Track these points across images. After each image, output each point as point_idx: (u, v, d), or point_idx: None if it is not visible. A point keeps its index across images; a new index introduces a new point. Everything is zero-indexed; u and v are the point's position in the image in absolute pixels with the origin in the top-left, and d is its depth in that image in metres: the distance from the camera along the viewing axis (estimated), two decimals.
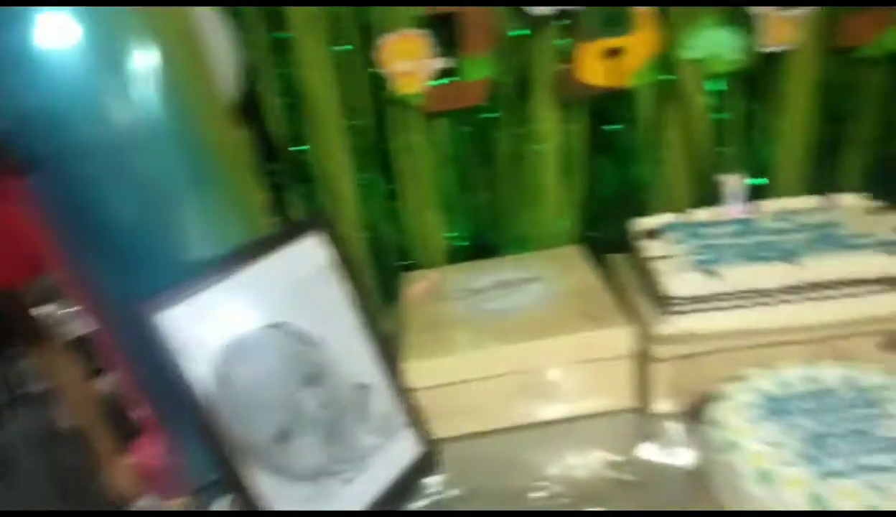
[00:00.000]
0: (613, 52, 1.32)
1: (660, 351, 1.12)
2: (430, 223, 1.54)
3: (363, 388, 1.10)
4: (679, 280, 1.12)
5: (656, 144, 1.44)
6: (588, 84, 1.35)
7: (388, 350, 1.15)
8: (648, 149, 1.44)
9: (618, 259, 1.41)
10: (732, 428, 0.96)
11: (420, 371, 1.15)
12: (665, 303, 1.14)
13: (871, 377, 1.01)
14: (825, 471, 0.86)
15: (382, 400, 1.11)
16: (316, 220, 1.09)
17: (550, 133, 1.44)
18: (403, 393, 1.14)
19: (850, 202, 1.32)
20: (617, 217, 1.47)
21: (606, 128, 1.44)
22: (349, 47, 1.37)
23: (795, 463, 0.88)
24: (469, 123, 1.46)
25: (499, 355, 1.16)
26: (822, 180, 1.47)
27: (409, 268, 1.54)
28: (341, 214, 1.51)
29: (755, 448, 0.92)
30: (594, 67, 1.33)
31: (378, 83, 1.38)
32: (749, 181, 1.45)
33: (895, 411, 0.94)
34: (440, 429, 1.17)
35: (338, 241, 1.09)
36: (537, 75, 1.38)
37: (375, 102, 1.43)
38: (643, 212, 1.47)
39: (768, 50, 1.32)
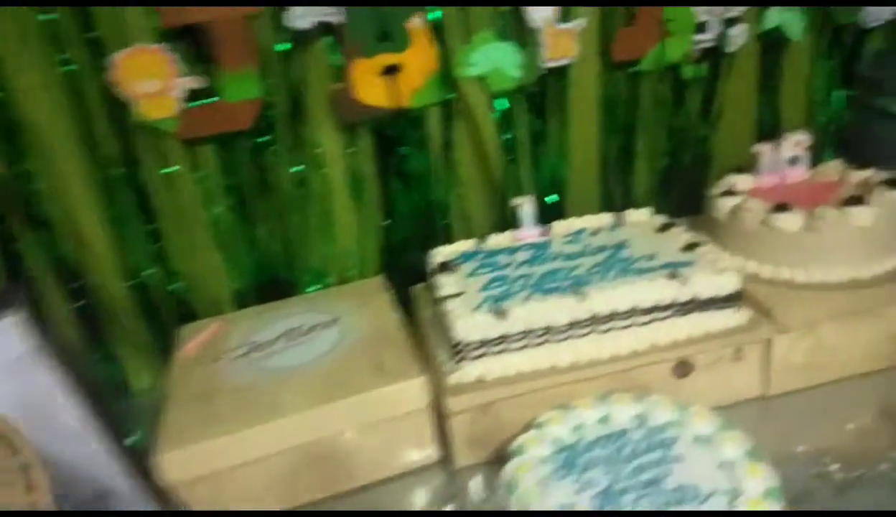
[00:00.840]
0: (390, 70, 1.19)
1: (452, 402, 1.01)
2: (204, 265, 1.33)
3: (102, 498, 0.88)
4: (466, 323, 1.02)
5: (449, 167, 1.34)
6: (367, 104, 1.21)
7: (132, 445, 0.93)
8: (441, 172, 1.34)
9: (420, 292, 1.30)
10: (524, 491, 0.87)
11: (177, 462, 0.95)
12: (455, 348, 1.03)
13: (661, 413, 0.96)
14: None
15: (130, 506, 0.90)
16: (8, 297, 0.85)
17: (335, 157, 1.29)
18: (158, 494, 0.93)
19: (639, 218, 1.30)
20: (419, 245, 1.37)
21: (398, 150, 1.32)
22: (74, 67, 1.13)
23: None
24: (240, 149, 1.27)
25: (276, 430, 0.99)
26: (615, 195, 1.46)
27: (187, 319, 1.32)
28: (92, 262, 1.26)
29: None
30: (372, 86, 1.20)
31: (119, 107, 1.15)
32: (547, 199, 1.41)
33: (683, 451, 0.90)
34: None
35: (40, 320, 0.86)
36: (311, 95, 1.23)
37: (120, 129, 1.20)
38: (446, 238, 1.38)
39: (550, 65, 1.27)
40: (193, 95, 1.18)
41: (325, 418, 1.01)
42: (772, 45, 1.40)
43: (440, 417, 1.06)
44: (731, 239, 1.21)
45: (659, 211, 1.32)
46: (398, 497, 1.05)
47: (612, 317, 1.04)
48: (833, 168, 1.30)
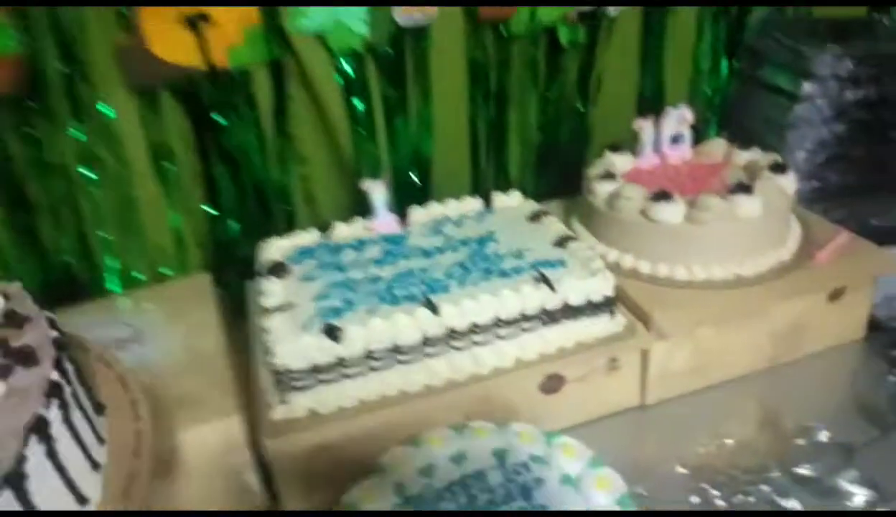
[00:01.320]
0: (195, 21, 0.94)
1: (272, 445, 0.81)
2: None
3: None
4: (291, 346, 0.81)
5: (285, 141, 1.11)
6: (167, 61, 0.95)
7: None
8: (275, 148, 1.11)
9: (255, 294, 1.07)
10: None
11: None
12: (278, 377, 0.82)
13: (524, 448, 0.81)
14: None
15: None
16: None
17: (131, 128, 1.02)
18: None
19: (509, 203, 1.13)
20: (257, 236, 1.13)
21: (215, 120, 1.06)
22: None
23: None
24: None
25: None
26: (487, 174, 1.29)
27: None
28: None
29: None
30: (171, 40, 0.94)
31: None
32: (409, 179, 1.21)
33: (548, 499, 0.75)
34: None
35: None
36: (93, 50, 0.95)
37: None
38: (288, 226, 1.16)
39: (404, 21, 1.06)
40: None
41: None
42: (655, 9, 1.25)
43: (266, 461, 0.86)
44: (608, 229, 1.07)
45: (536, 191, 1.17)
46: None
47: (471, 331, 0.87)
48: (717, 147, 1.18)
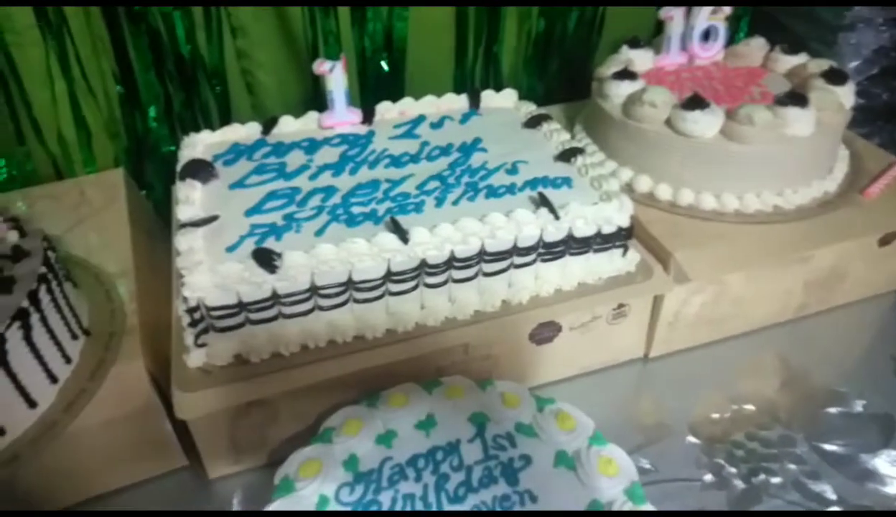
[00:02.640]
0: None
1: (184, 402, 0.62)
2: None
3: None
4: (208, 276, 0.61)
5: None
6: None
7: None
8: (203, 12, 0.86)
9: None
10: None
11: None
12: (192, 315, 0.63)
13: (507, 414, 0.64)
14: None
15: None
16: None
17: None
18: None
19: (501, 103, 0.91)
20: (180, 126, 0.91)
21: None
22: None
23: None
24: None
25: None
26: (473, 67, 1.05)
27: None
28: None
29: None
30: None
31: None
32: (378, 65, 0.98)
33: (536, 484, 0.59)
34: None
35: None
36: None
37: None
38: (222, 116, 0.93)
39: None
40: None
41: None
42: None
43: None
44: (621, 142, 0.87)
45: (533, 92, 0.95)
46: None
47: (448, 265, 0.67)
48: (755, 49, 0.97)
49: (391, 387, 0.68)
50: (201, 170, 0.74)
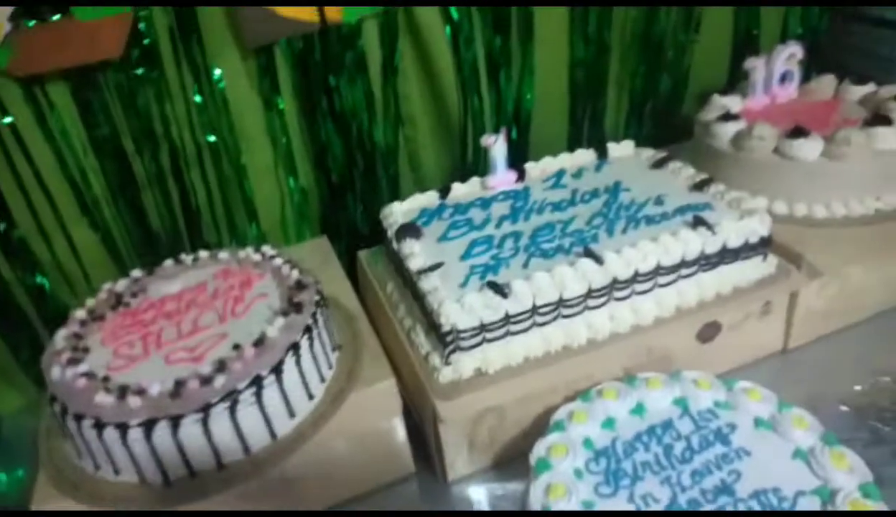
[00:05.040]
0: None
1: (446, 409, 0.78)
2: (80, 245, 0.99)
3: None
4: (458, 305, 0.78)
5: (393, 100, 1.06)
6: (284, 17, 0.90)
7: None
8: (384, 106, 1.06)
9: (369, 259, 1.03)
10: None
11: None
12: (445, 338, 0.79)
13: (704, 395, 0.78)
14: None
15: None
16: None
17: (243, 92, 0.97)
18: None
19: (623, 152, 1.09)
20: (359, 200, 1.10)
21: (328, 80, 1.01)
22: None
23: None
24: (106, 88, 0.92)
25: None
26: (583, 126, 1.24)
27: (55, 321, 0.97)
28: None
29: None
30: None
31: None
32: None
33: (746, 442, 0.73)
34: None
35: None
36: (205, 9, 0.89)
37: None
38: (392, 191, 1.12)
39: None
40: (30, 12, 0.81)
41: None
42: None
43: (426, 424, 0.83)
44: (735, 171, 1.03)
45: (634, 141, 1.12)
46: None
47: (633, 280, 0.84)
48: (826, 84, 1.15)
49: (600, 386, 0.83)
50: (413, 230, 0.92)
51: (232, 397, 0.68)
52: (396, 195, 1.08)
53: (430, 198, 1.02)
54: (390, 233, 0.94)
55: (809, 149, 0.96)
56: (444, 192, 1.02)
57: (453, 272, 0.84)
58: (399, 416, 0.83)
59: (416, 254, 0.87)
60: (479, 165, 1.03)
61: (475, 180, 1.04)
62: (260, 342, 0.71)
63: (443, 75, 1.04)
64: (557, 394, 0.84)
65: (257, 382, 0.69)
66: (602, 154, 1.09)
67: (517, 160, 1.07)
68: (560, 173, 1.05)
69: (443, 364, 0.80)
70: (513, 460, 0.85)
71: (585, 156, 1.09)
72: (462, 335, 0.78)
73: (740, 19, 1.26)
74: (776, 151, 0.98)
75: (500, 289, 0.78)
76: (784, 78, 1.14)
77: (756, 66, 1.11)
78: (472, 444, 0.84)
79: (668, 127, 1.27)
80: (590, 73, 1.18)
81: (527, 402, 0.83)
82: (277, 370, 0.71)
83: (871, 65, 1.20)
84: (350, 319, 0.91)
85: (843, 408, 0.88)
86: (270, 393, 0.71)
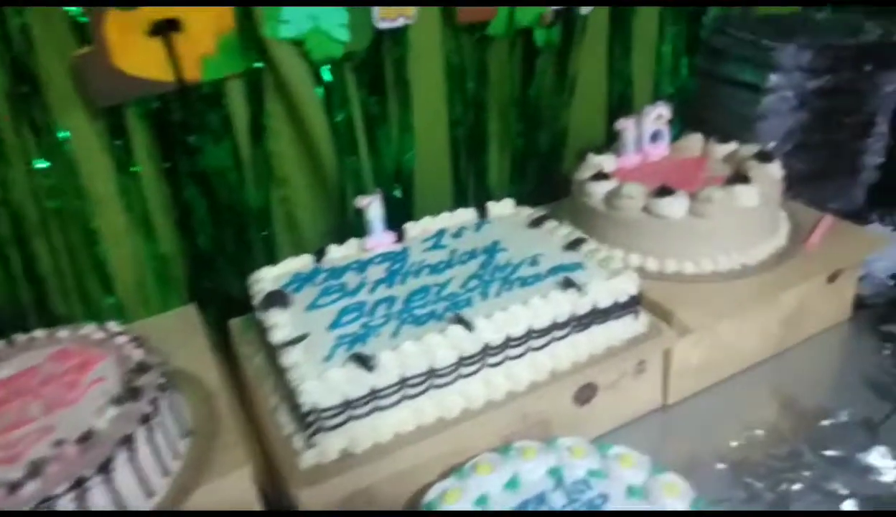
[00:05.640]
0: (164, 28, 0.83)
1: (308, 496, 0.72)
2: None
3: None
4: (319, 382, 0.72)
5: (262, 161, 1.01)
6: (133, 76, 0.84)
7: None
8: (253, 167, 1.01)
9: (241, 327, 0.97)
10: None
11: None
12: (306, 418, 0.73)
13: (578, 463, 0.76)
14: None
15: None
16: None
17: (92, 153, 0.90)
18: None
19: (502, 211, 1.09)
20: (232, 265, 1.04)
21: (187, 140, 0.95)
22: None
23: None
24: None
25: None
26: (467, 184, 1.24)
27: None
28: None
29: None
30: (138, 50, 0.84)
31: None
32: (391, 194, 1.14)
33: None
34: None
35: None
36: (44, 64, 0.82)
37: None
38: (268, 254, 1.06)
39: (383, 25, 0.99)
40: None
41: None
42: (622, 9, 1.25)
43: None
44: (608, 229, 1.04)
45: (516, 199, 1.12)
46: None
47: (506, 345, 0.81)
48: (694, 142, 1.20)
49: (474, 459, 0.79)
50: (279, 298, 0.86)
51: (47, 504, 0.59)
52: (273, 258, 1.03)
53: (304, 261, 0.97)
54: (256, 301, 0.88)
55: (676, 207, 0.98)
56: (320, 254, 0.98)
57: (319, 344, 0.79)
58: (258, 507, 0.76)
59: (280, 324, 0.82)
60: (361, 226, 0.99)
61: (353, 242, 1.00)
62: (86, 437, 0.63)
63: (316, 134, 1.01)
64: (432, 471, 0.80)
65: (79, 485, 0.61)
66: (482, 213, 1.08)
67: (403, 219, 1.05)
68: (440, 233, 1.03)
69: (305, 446, 0.74)
70: None
71: (466, 215, 1.08)
72: (324, 414, 0.73)
73: (614, 81, 1.31)
74: (645, 209, 1.00)
75: (366, 362, 0.74)
76: (655, 137, 1.18)
77: (627, 126, 1.15)
78: None
79: (551, 184, 1.28)
80: (469, 132, 1.18)
81: (399, 482, 0.78)
82: (106, 468, 0.63)
83: (734, 123, 1.27)
84: (208, 398, 0.83)
85: (720, 465, 0.88)
86: (98, 495, 0.62)
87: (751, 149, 1.11)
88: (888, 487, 0.84)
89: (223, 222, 1.01)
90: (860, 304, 1.13)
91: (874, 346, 1.07)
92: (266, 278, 0.93)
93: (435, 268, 0.94)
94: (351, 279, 0.92)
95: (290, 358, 0.76)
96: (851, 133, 1.30)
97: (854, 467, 0.87)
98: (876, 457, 0.88)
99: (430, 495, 0.75)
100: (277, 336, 0.80)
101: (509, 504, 0.73)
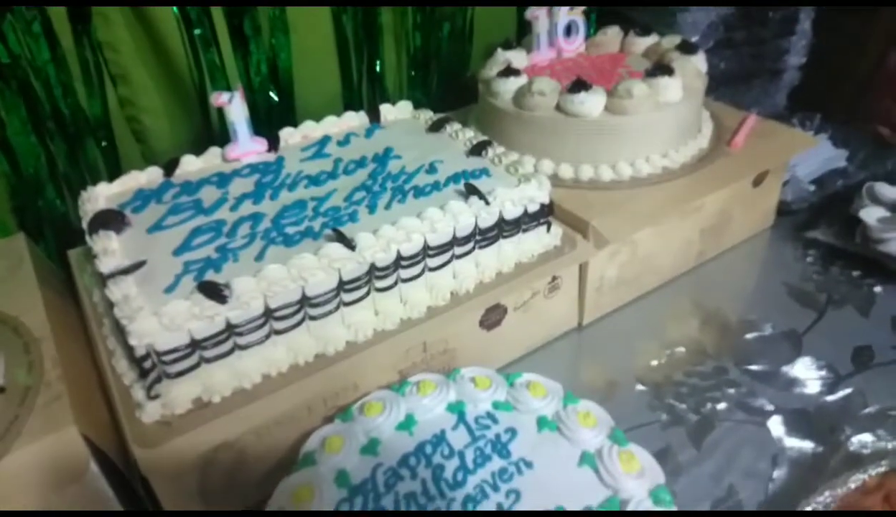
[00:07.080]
0: None
1: (146, 457, 0.58)
2: None
3: None
4: (157, 320, 0.57)
5: (93, 57, 0.81)
6: None
7: None
8: (78, 65, 0.81)
9: (81, 259, 0.79)
10: None
11: None
12: (142, 363, 0.58)
13: (481, 395, 0.66)
14: None
15: None
16: None
17: None
18: None
19: (399, 115, 0.94)
20: (66, 185, 0.85)
21: None
22: None
23: None
24: None
25: None
26: (359, 88, 1.07)
27: None
28: None
29: None
30: None
31: None
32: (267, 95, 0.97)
33: (529, 451, 0.61)
34: None
35: None
36: None
37: None
38: (112, 169, 0.88)
39: None
40: None
41: None
42: None
43: (133, 481, 0.62)
44: (517, 132, 0.92)
45: (415, 104, 0.97)
46: None
47: (396, 265, 0.68)
48: (612, 37, 1.08)
49: (362, 399, 0.67)
50: (112, 219, 0.69)
51: None
52: (118, 173, 0.84)
53: (150, 176, 0.80)
54: (84, 223, 0.70)
55: (592, 103, 0.86)
56: (171, 167, 0.80)
57: (160, 272, 0.63)
58: (91, 477, 0.61)
59: (109, 250, 0.65)
60: (226, 136, 0.82)
61: (214, 151, 0.83)
62: None
63: (161, 26, 0.81)
64: (316, 414, 0.67)
65: None
66: (375, 117, 0.92)
67: (280, 127, 0.88)
68: (324, 140, 0.88)
69: (146, 398, 0.60)
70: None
71: (356, 119, 0.92)
72: (166, 358, 0.58)
73: None
74: (558, 108, 0.88)
75: (217, 292, 0.59)
76: (569, 30, 1.05)
77: (538, 16, 1.01)
78: (205, 494, 0.64)
79: (457, 89, 1.14)
80: (358, 23, 1.00)
81: (275, 431, 0.65)
82: None
83: (652, 16, 1.15)
84: (33, 345, 0.67)
85: (640, 387, 0.80)
86: None
87: (673, 40, 1.00)
88: (813, 399, 0.78)
89: (48, 135, 0.81)
90: (782, 211, 1.07)
91: (798, 254, 1.01)
92: (100, 197, 0.75)
93: (315, 180, 0.79)
94: (208, 195, 0.76)
95: (119, 291, 0.60)
96: (774, 31, 1.22)
97: (779, 381, 0.81)
98: (801, 369, 0.82)
99: (309, 444, 0.63)
100: (107, 264, 0.63)
101: (404, 448, 0.61)
